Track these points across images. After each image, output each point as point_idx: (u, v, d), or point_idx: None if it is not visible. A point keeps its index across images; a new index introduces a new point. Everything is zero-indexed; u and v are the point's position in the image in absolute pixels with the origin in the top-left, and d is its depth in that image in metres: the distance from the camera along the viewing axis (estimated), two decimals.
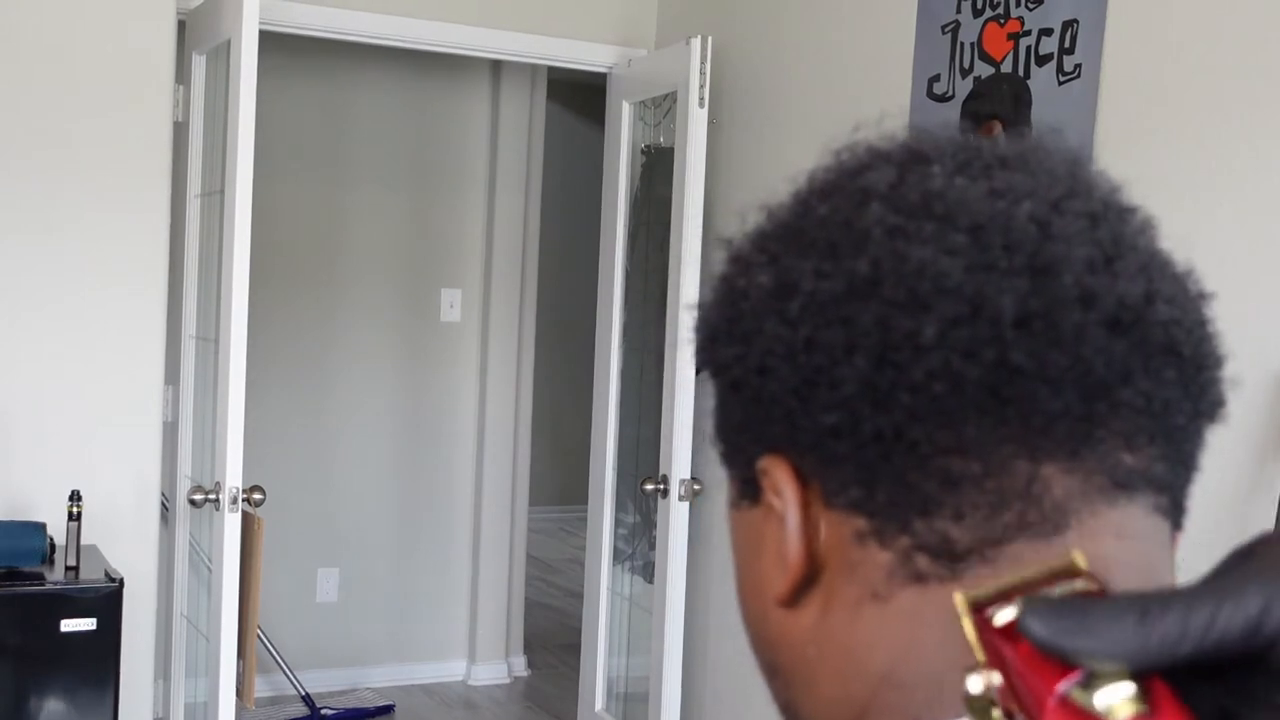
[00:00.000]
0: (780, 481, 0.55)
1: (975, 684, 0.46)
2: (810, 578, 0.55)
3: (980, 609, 0.47)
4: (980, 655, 0.47)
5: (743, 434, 0.58)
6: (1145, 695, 0.43)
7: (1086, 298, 0.51)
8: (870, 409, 0.52)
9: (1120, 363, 0.51)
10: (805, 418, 0.53)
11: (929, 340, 0.50)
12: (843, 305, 0.52)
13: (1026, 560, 0.50)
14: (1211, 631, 0.42)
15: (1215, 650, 0.42)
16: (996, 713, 0.46)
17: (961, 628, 0.47)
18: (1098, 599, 0.45)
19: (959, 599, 0.48)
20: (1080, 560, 0.47)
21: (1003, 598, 0.47)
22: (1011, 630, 0.46)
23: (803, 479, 0.55)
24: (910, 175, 0.54)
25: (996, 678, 0.46)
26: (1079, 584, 0.47)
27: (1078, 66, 2.73)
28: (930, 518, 0.51)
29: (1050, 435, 0.51)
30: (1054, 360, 0.50)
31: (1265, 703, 0.43)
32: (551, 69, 4.89)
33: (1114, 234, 0.53)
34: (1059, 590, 0.47)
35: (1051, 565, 0.48)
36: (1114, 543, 0.51)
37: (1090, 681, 0.43)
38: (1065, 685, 0.43)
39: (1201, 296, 0.55)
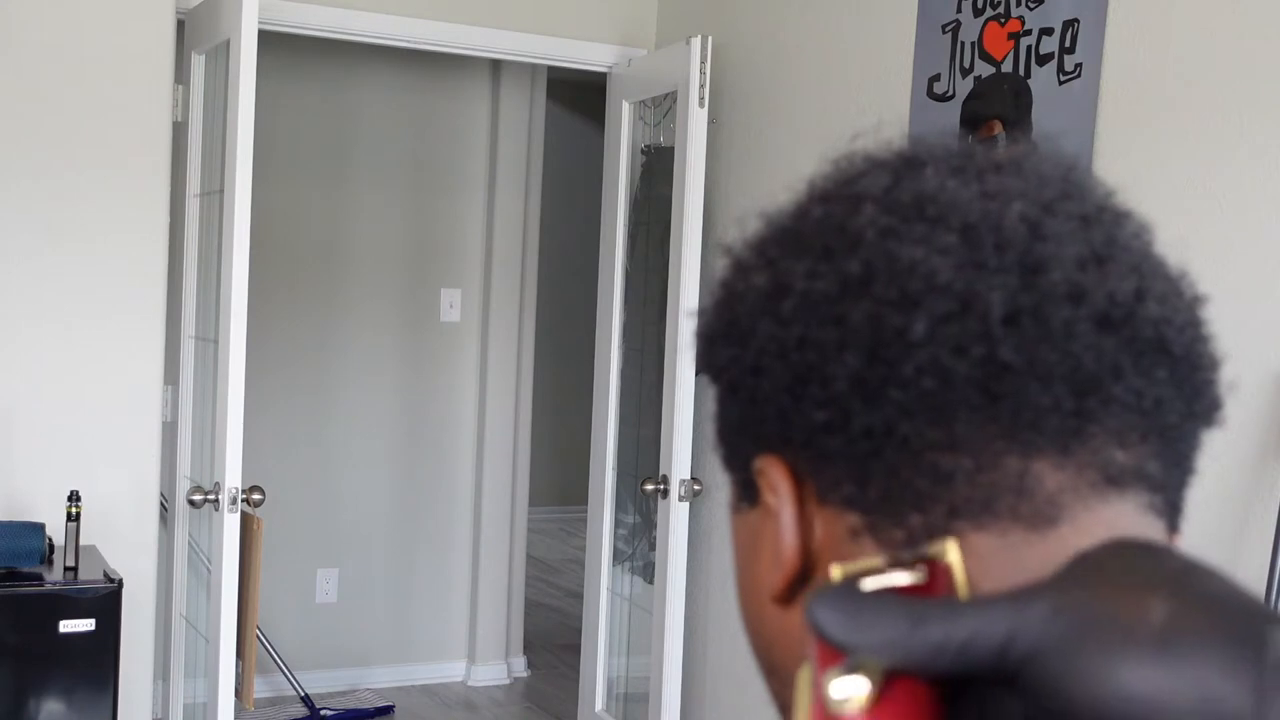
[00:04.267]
0: (775, 479, 0.56)
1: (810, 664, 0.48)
2: (805, 575, 0.55)
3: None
4: None
5: (740, 435, 0.58)
6: (881, 695, 0.43)
7: (1076, 294, 0.51)
8: (862, 405, 0.52)
9: (1110, 359, 0.51)
10: (798, 415, 0.54)
11: (918, 337, 0.51)
12: (835, 304, 0.53)
13: (1022, 555, 0.51)
14: (967, 649, 0.42)
15: (972, 669, 0.43)
16: (812, 692, 0.47)
17: None
18: (889, 597, 0.45)
19: (835, 571, 0.49)
20: (950, 550, 0.48)
21: (864, 575, 0.48)
22: None
23: (797, 477, 0.55)
24: (904, 179, 0.55)
25: None
26: (906, 576, 0.47)
27: (1078, 66, 2.72)
28: (923, 513, 0.52)
29: (1041, 430, 0.51)
30: (1043, 356, 0.51)
31: None
32: (551, 69, 4.90)
33: (1107, 235, 0.54)
34: (883, 579, 0.47)
35: (923, 550, 0.49)
36: (1106, 539, 0.51)
37: (844, 672, 0.44)
38: (827, 674, 0.44)
39: (1195, 298, 0.55)
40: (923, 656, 0.43)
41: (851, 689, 0.43)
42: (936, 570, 0.48)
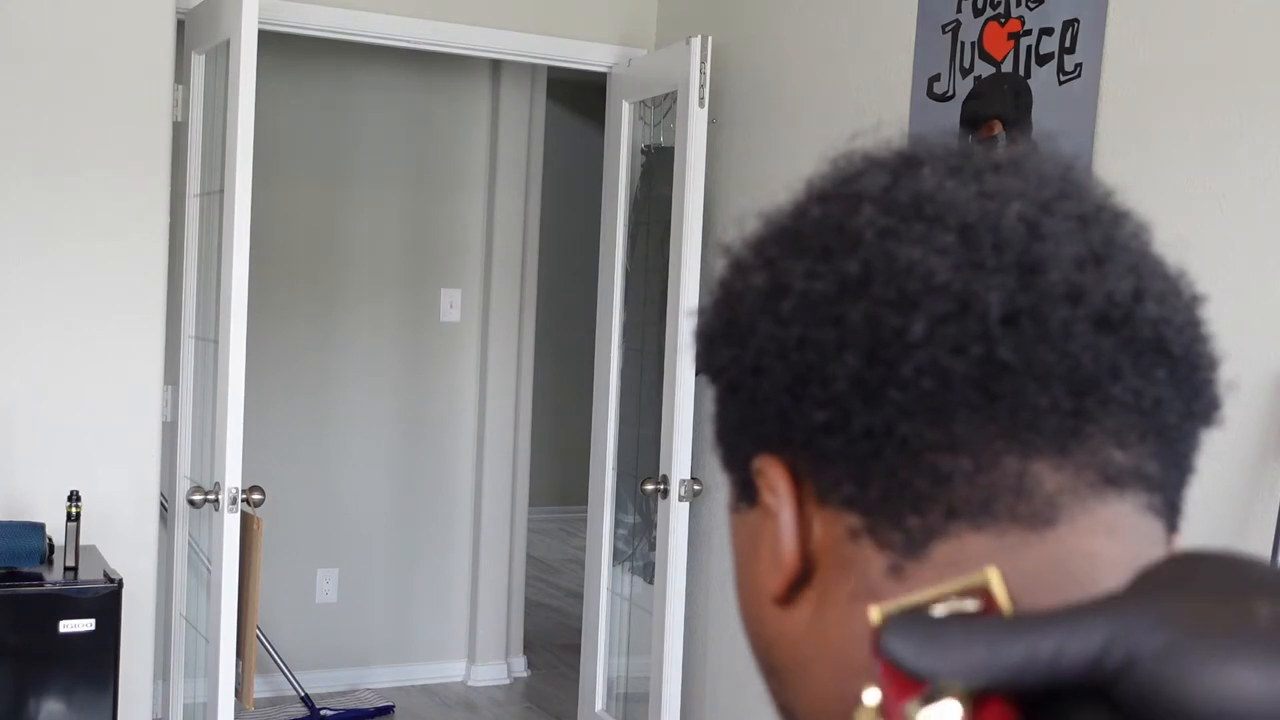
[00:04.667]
0: (774, 480, 0.56)
1: (872, 696, 0.46)
2: (804, 576, 0.55)
3: None
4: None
5: (740, 435, 0.58)
6: (974, 717, 0.43)
7: (1074, 294, 0.51)
8: (861, 405, 0.52)
9: (1109, 359, 0.51)
10: (798, 415, 0.54)
11: (917, 337, 0.51)
12: (834, 304, 0.53)
13: (1020, 556, 0.51)
14: (1057, 663, 0.42)
15: (1060, 681, 0.42)
16: None
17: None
18: (959, 620, 0.45)
19: (874, 613, 0.48)
20: (994, 578, 0.47)
21: (919, 608, 0.47)
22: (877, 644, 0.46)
23: (796, 477, 0.55)
24: (902, 179, 0.55)
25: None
26: (968, 604, 0.47)
27: (1078, 66, 2.72)
28: (922, 514, 0.52)
29: (1039, 431, 0.51)
30: (1041, 356, 0.51)
31: None
32: (551, 69, 4.90)
33: (1105, 235, 0.54)
34: (946, 607, 0.47)
35: (966, 581, 0.48)
36: (1105, 539, 0.52)
37: (928, 699, 0.43)
38: (907, 701, 0.43)
39: (1194, 298, 0.55)
40: (1010, 673, 0.43)
41: (943, 716, 0.43)
42: (988, 598, 0.47)
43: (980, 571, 0.48)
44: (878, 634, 0.45)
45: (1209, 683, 0.40)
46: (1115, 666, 0.42)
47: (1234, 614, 0.41)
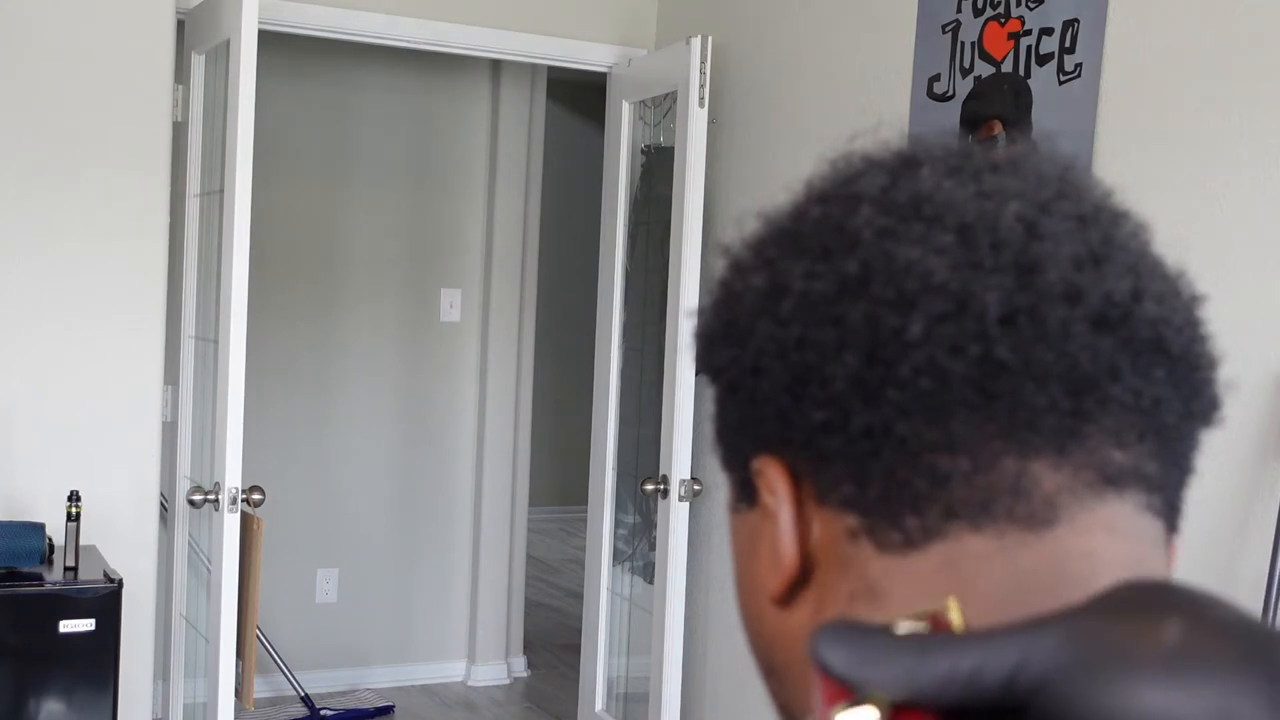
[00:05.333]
0: (774, 480, 0.56)
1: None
2: (803, 576, 0.55)
3: None
4: None
5: (739, 435, 0.58)
6: None
7: (1072, 294, 0.51)
8: (860, 405, 0.52)
9: (1107, 359, 0.51)
10: (797, 415, 0.54)
11: (915, 337, 0.51)
12: (833, 304, 0.53)
13: (1019, 556, 0.51)
14: (975, 680, 0.43)
15: (981, 699, 0.43)
16: None
17: None
18: (889, 632, 0.45)
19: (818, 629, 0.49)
20: (953, 609, 0.48)
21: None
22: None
23: (796, 478, 0.55)
24: (901, 179, 0.55)
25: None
26: (918, 625, 0.47)
27: (1078, 66, 2.72)
28: (921, 514, 0.52)
29: (1038, 431, 0.51)
30: (1040, 356, 0.51)
31: None
32: (551, 69, 4.89)
33: (1103, 235, 0.54)
34: (901, 628, 0.47)
35: (926, 609, 0.48)
36: (1104, 539, 0.52)
37: (850, 704, 0.44)
38: (834, 709, 0.44)
39: (1194, 298, 0.55)
40: (931, 688, 0.43)
41: (851, 716, 0.43)
42: (939, 621, 0.48)
43: (943, 601, 0.49)
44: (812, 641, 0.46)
45: (1111, 702, 0.40)
46: (1028, 686, 0.42)
47: (1140, 635, 0.41)
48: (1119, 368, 0.52)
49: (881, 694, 0.44)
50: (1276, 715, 0.39)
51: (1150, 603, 0.43)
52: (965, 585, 0.51)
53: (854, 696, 0.44)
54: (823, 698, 0.45)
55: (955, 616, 0.48)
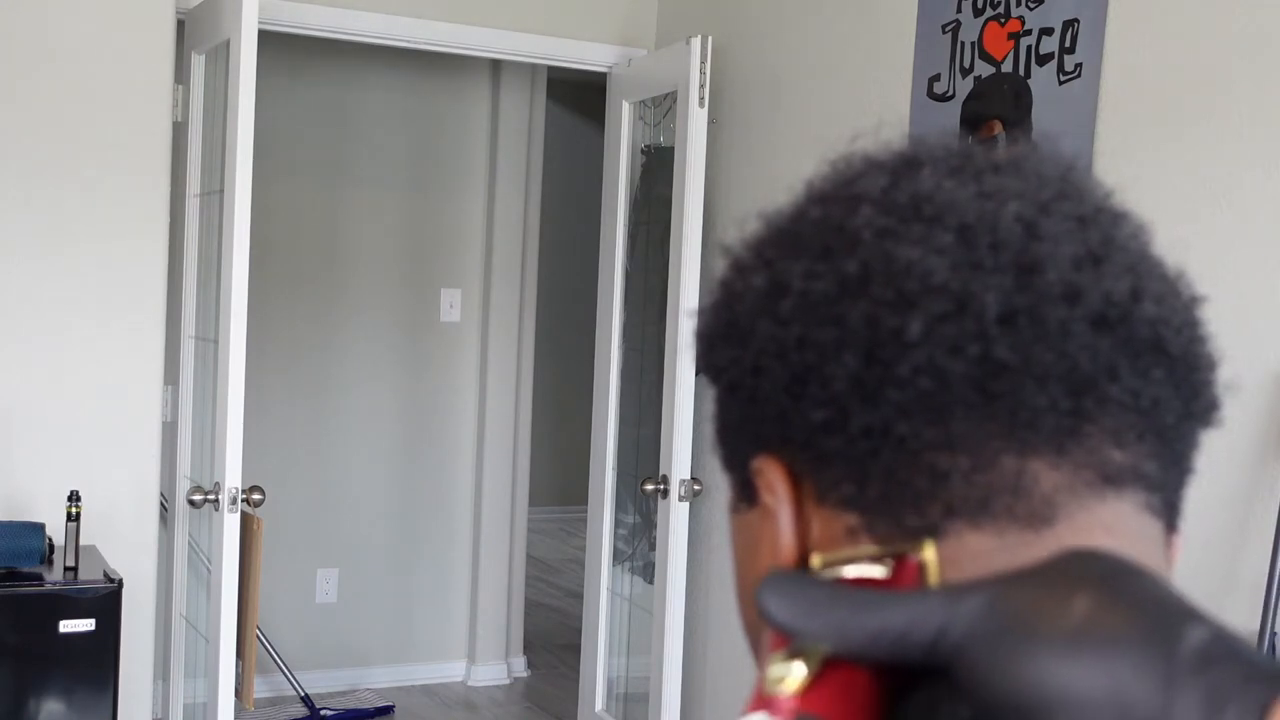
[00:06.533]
0: (773, 479, 0.56)
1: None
2: None
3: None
4: None
5: (740, 435, 0.59)
6: (816, 679, 0.45)
7: (1071, 294, 0.51)
8: (860, 405, 0.52)
9: (1106, 359, 0.52)
10: (797, 415, 0.54)
11: (914, 337, 0.51)
12: (833, 304, 0.53)
13: (1018, 555, 0.51)
14: (903, 639, 0.44)
15: (909, 659, 0.44)
16: None
17: None
18: (832, 586, 0.47)
19: (815, 559, 0.51)
20: (928, 549, 0.49)
21: (842, 564, 0.51)
22: None
23: (795, 477, 0.55)
24: (902, 180, 0.55)
25: None
26: (876, 569, 0.49)
27: (1078, 66, 2.72)
28: (920, 513, 0.52)
29: (1037, 430, 0.51)
30: (1039, 355, 0.51)
31: (944, 716, 0.45)
32: (551, 69, 4.89)
33: (1103, 236, 0.54)
34: (852, 570, 0.49)
35: (904, 548, 0.50)
36: (1103, 538, 0.52)
37: (787, 656, 0.45)
38: (770, 656, 0.46)
39: (1193, 299, 0.56)
40: (859, 643, 0.45)
41: (787, 671, 0.45)
42: (907, 566, 0.49)
43: (917, 543, 0.50)
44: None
45: (1016, 672, 0.42)
46: (949, 649, 0.43)
47: (1052, 606, 0.43)
48: (1117, 368, 0.52)
49: (816, 646, 0.45)
50: (1170, 695, 0.40)
51: (1075, 574, 0.44)
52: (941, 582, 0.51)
53: (790, 646, 0.45)
54: (769, 644, 0.47)
55: (929, 554, 0.49)
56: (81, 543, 3.18)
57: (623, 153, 4.00)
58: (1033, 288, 0.51)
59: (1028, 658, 0.42)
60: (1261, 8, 2.39)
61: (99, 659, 3.04)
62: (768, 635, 0.47)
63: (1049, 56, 2.80)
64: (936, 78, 3.10)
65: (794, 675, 0.44)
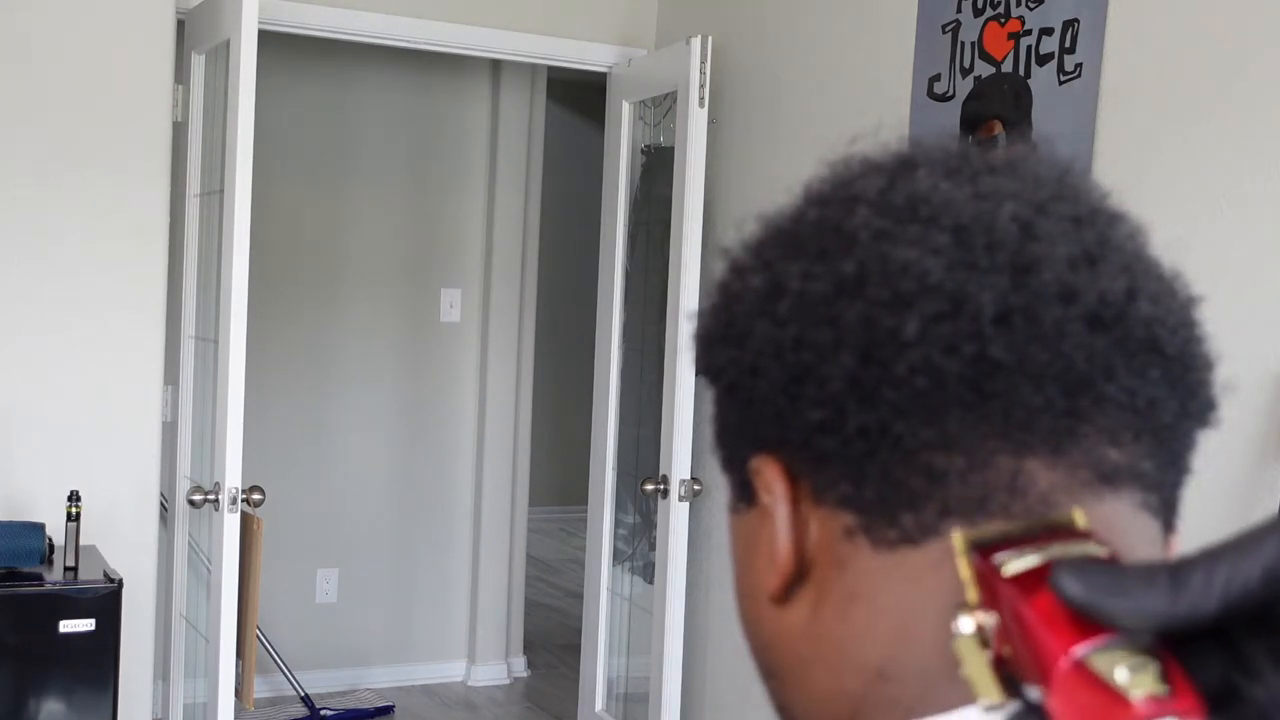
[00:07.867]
0: (771, 479, 0.56)
1: (967, 624, 0.47)
2: (801, 575, 0.56)
3: (983, 551, 0.49)
4: (973, 595, 0.48)
5: (738, 436, 0.59)
6: (1164, 675, 0.42)
7: (1067, 294, 0.52)
8: (856, 405, 0.53)
9: (1102, 358, 0.52)
10: (794, 415, 0.55)
11: (910, 336, 0.51)
12: (830, 305, 0.53)
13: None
14: (1233, 583, 0.43)
15: (1240, 603, 0.43)
16: (987, 654, 0.46)
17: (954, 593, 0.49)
18: (1122, 564, 0.45)
19: (957, 538, 0.49)
20: (1080, 518, 0.48)
21: (1007, 544, 0.48)
22: (1028, 580, 0.46)
23: (793, 477, 0.56)
24: (898, 181, 0.55)
25: (992, 619, 0.46)
26: (1091, 547, 0.47)
27: (1078, 66, 2.72)
28: (917, 512, 0.52)
29: (1033, 430, 0.51)
30: (1034, 355, 0.51)
31: (1270, 673, 0.43)
32: (551, 69, 4.90)
33: (1099, 236, 0.54)
34: (1073, 548, 0.47)
35: (1050, 519, 0.49)
36: (1101, 537, 0.51)
37: (1112, 648, 0.43)
38: (1084, 649, 0.43)
39: (1190, 299, 0.56)
40: (1189, 609, 0.43)
41: (1138, 670, 0.42)
42: (1097, 541, 0.48)
43: (1064, 512, 0.49)
44: (1044, 572, 0.45)
45: None
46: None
47: None
48: (1113, 367, 0.52)
49: (1140, 627, 0.43)
50: None
51: None
52: (962, 582, 0.51)
53: (1105, 637, 0.43)
54: (1054, 637, 0.43)
55: (1083, 521, 0.48)
56: (81, 543, 3.18)
57: (623, 153, 4.00)
58: (1028, 288, 0.51)
59: None
60: (1261, 8, 2.39)
61: (99, 659, 3.04)
62: (1032, 622, 0.44)
63: (1049, 56, 2.80)
64: (936, 78, 3.10)
65: (1147, 675, 0.42)
